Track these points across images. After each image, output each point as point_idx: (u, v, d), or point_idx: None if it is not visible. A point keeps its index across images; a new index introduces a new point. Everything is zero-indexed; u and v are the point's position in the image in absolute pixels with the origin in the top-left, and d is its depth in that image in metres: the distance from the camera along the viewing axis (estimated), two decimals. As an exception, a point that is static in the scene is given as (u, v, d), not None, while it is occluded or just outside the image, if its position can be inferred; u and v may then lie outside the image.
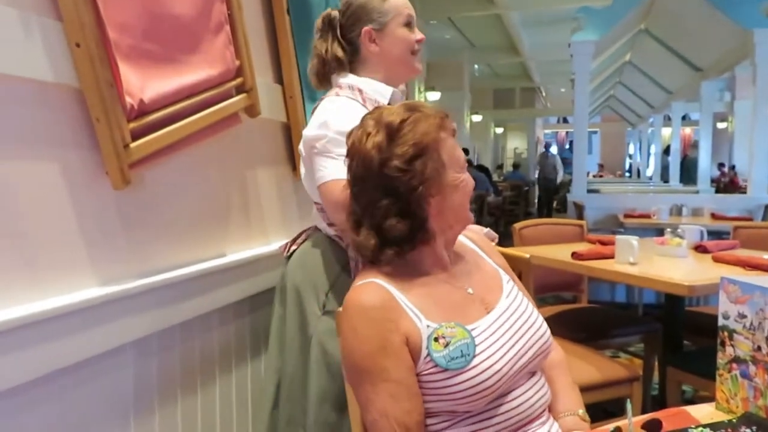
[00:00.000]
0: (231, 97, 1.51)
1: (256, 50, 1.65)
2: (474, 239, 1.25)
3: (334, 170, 1.35)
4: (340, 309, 1.07)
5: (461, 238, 1.23)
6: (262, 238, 1.73)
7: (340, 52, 1.52)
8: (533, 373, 1.11)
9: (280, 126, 1.86)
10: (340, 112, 1.41)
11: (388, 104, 1.47)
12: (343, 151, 1.16)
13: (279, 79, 1.84)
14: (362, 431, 1.14)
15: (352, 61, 1.53)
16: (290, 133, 1.89)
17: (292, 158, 1.91)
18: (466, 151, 7.34)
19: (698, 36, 6.83)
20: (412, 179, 1.06)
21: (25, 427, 0.98)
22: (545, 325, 1.14)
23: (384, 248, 1.07)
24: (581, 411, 1.12)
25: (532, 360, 1.09)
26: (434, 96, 9.58)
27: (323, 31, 1.53)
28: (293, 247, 1.53)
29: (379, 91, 1.51)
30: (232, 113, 1.51)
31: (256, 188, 1.71)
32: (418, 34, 1.55)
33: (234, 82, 1.51)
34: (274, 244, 1.77)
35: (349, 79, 1.52)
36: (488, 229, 1.47)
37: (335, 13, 1.54)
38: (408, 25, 1.53)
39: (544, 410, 1.10)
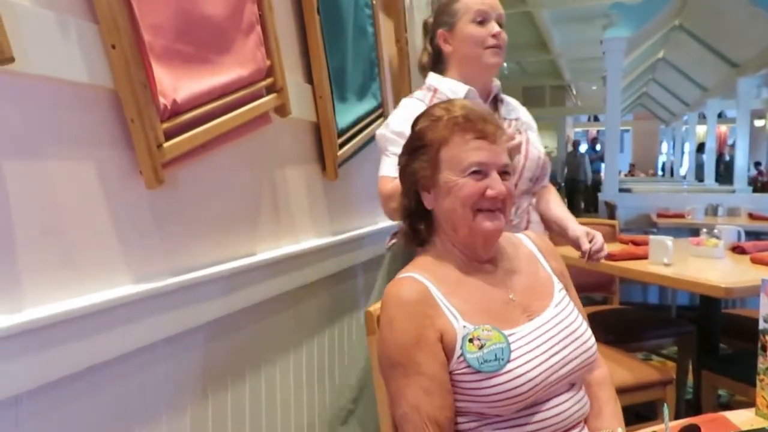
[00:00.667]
0: (262, 96, 1.52)
1: (286, 50, 1.66)
2: (535, 240, 1.23)
3: (386, 167, 1.53)
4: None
5: (521, 237, 1.23)
6: (291, 237, 1.74)
7: (425, 58, 1.69)
8: (572, 385, 1.09)
9: (310, 125, 1.87)
10: (401, 112, 1.57)
11: None
12: (397, 149, 1.28)
13: (309, 78, 1.84)
14: (390, 426, 1.14)
15: (439, 63, 1.66)
16: (319, 133, 1.89)
17: (322, 158, 1.91)
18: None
19: (735, 31, 6.65)
20: (406, 168, 1.15)
21: (62, 421, 1.00)
22: (593, 339, 1.11)
23: (406, 226, 1.18)
24: (620, 429, 1.09)
25: (572, 372, 1.07)
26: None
27: (423, 37, 1.70)
28: (393, 241, 1.69)
29: (454, 90, 1.60)
30: (262, 113, 1.52)
31: (285, 188, 1.72)
32: (493, 28, 1.58)
33: (265, 82, 1.52)
34: (303, 243, 1.78)
35: (430, 78, 1.66)
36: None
37: (429, 20, 1.69)
38: (480, 21, 1.57)
39: (579, 423, 1.08)
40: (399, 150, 1.33)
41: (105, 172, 1.10)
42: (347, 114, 2.06)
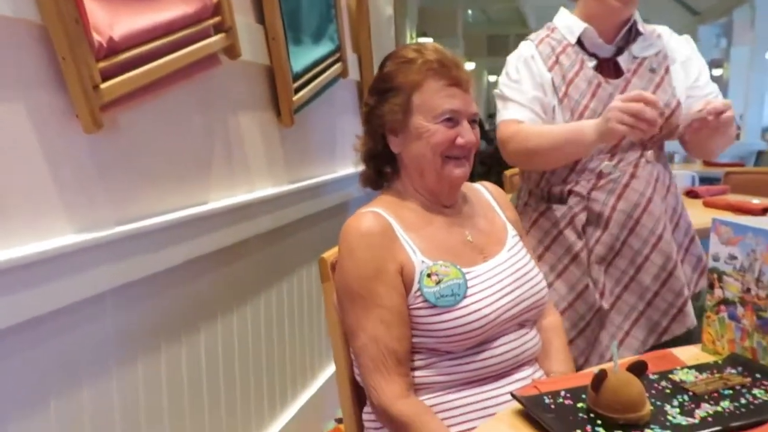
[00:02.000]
0: (209, 36, 1.44)
1: (234, -13, 1.57)
2: (492, 191, 1.27)
3: (505, 112, 1.46)
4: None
5: (479, 187, 1.26)
6: (246, 186, 1.69)
7: None
8: (522, 326, 1.11)
9: (263, 69, 1.80)
10: (513, 58, 1.51)
11: (577, 42, 1.47)
12: (516, 95, 1.41)
13: (260, 19, 1.76)
14: (345, 361, 1.15)
15: None
16: (273, 77, 1.82)
17: (276, 103, 1.85)
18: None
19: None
20: (374, 110, 1.11)
21: (3, 373, 0.96)
22: (544, 283, 1.16)
23: (368, 170, 1.17)
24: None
25: (523, 312, 1.10)
26: (426, 42, 9.35)
27: None
28: None
29: (570, 28, 1.49)
30: (210, 54, 1.44)
31: (238, 134, 1.66)
32: None
33: (211, 21, 1.44)
34: (259, 191, 1.74)
35: (558, 15, 1.55)
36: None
37: None
38: None
39: (529, 361, 1.11)
40: (518, 96, 1.43)
41: (38, 116, 1.02)
42: (303, 57, 1.98)
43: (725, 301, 1.02)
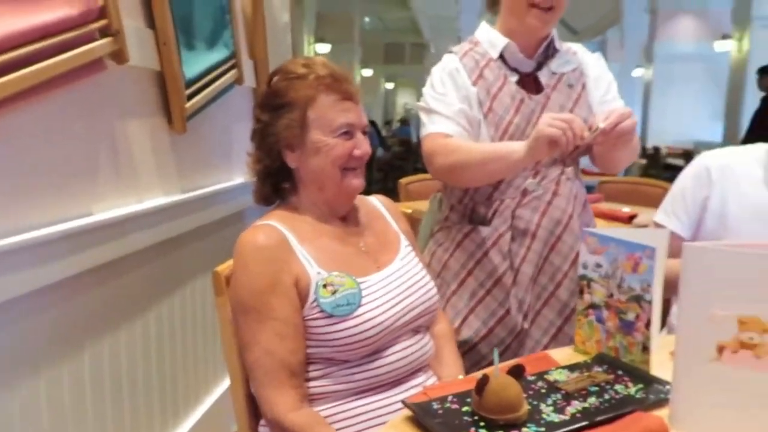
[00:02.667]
0: (94, 40, 1.37)
1: (122, -10, 1.51)
2: (384, 203, 1.30)
3: (431, 125, 1.44)
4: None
5: (372, 200, 1.30)
6: (135, 196, 1.63)
7: None
8: (416, 332, 1.16)
9: (153, 74, 1.74)
10: (437, 69, 1.48)
11: (500, 57, 1.46)
12: (433, 105, 1.41)
13: (151, 23, 1.70)
14: (240, 375, 1.15)
15: (497, 4, 1.50)
16: (164, 83, 1.77)
17: (168, 110, 1.79)
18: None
19: (577, 0, 7.18)
20: (269, 127, 1.12)
21: None
22: (435, 290, 1.21)
23: (264, 187, 1.17)
24: (461, 377, 1.18)
25: (416, 318, 1.14)
26: (324, 48, 9.39)
27: None
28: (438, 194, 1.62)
29: (493, 43, 1.48)
30: (95, 59, 1.38)
31: (126, 141, 1.60)
32: None
33: (97, 24, 1.37)
34: (149, 201, 1.68)
35: (479, 28, 1.53)
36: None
37: None
38: None
39: (423, 368, 1.16)
40: (444, 108, 1.41)
41: None
42: (196, 63, 1.94)
43: (593, 306, 1.13)
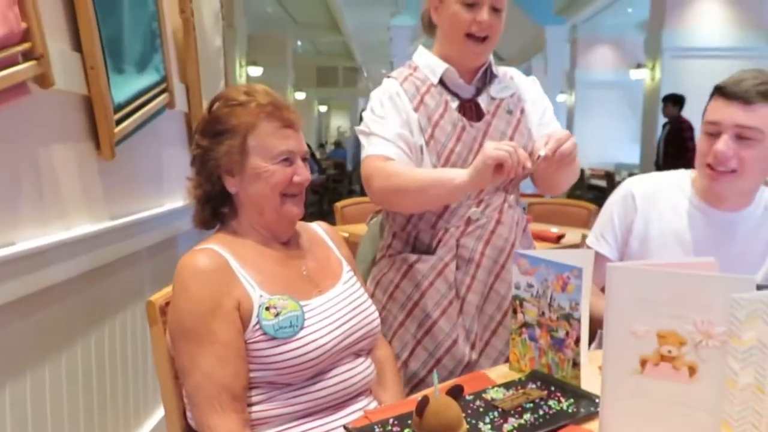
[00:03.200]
0: (17, 64, 1.33)
1: (47, 12, 1.46)
2: (326, 230, 1.31)
3: (371, 147, 1.41)
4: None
5: (314, 226, 1.31)
6: (62, 223, 1.57)
7: (425, 17, 1.49)
8: (358, 355, 1.17)
9: (80, 99, 1.69)
10: (379, 94, 1.46)
11: (440, 82, 1.44)
12: (372, 128, 1.39)
13: (78, 46, 1.66)
14: (176, 402, 1.12)
15: (434, 27, 1.48)
16: (92, 107, 1.72)
17: (95, 135, 1.74)
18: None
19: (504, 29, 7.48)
20: (209, 152, 1.12)
21: None
22: (376, 314, 1.22)
23: (204, 212, 1.17)
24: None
25: (358, 341, 1.15)
26: (256, 71, 9.33)
27: None
28: (375, 217, 1.59)
29: (432, 69, 1.46)
30: (18, 83, 1.33)
31: (51, 168, 1.54)
32: (481, 15, 1.36)
33: (20, 48, 1.33)
34: (76, 229, 1.62)
35: (417, 52, 1.52)
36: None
37: None
38: (469, 4, 1.36)
39: (364, 390, 1.17)
40: (383, 131, 1.39)
41: None
42: (125, 87, 1.90)
43: (526, 324, 1.17)
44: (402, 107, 1.43)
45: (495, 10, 1.38)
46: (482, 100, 1.47)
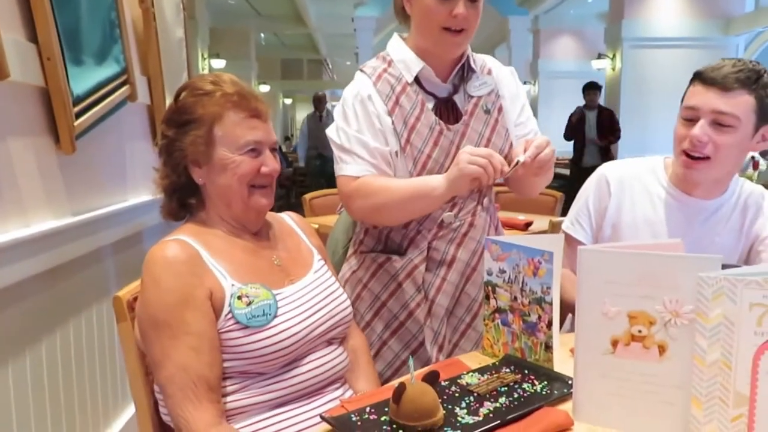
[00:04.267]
0: (-32, 55, 1.28)
1: (1, 2, 1.41)
2: (296, 220, 1.30)
3: (345, 166, 1.37)
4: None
5: (284, 216, 1.30)
6: (20, 220, 1.52)
7: (398, 3, 1.40)
8: (330, 343, 1.17)
9: (37, 91, 1.63)
10: (349, 94, 1.39)
11: (415, 80, 1.37)
12: (346, 144, 1.35)
13: (33, 37, 1.60)
14: (147, 398, 1.11)
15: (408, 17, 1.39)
16: (50, 100, 1.66)
17: (54, 128, 1.69)
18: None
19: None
20: (175, 143, 1.10)
21: None
22: (348, 302, 1.23)
23: (171, 203, 1.15)
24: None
25: (330, 329, 1.16)
26: (219, 63, 9.19)
27: None
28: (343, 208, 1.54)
29: (407, 65, 1.38)
30: (-30, 74, 1.28)
31: (8, 163, 1.48)
32: (458, 8, 1.28)
33: (-28, 38, 1.28)
34: (36, 226, 1.56)
35: (391, 43, 1.45)
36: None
37: None
38: None
39: (338, 378, 1.17)
40: (358, 148, 1.34)
41: None
42: (85, 79, 1.84)
43: (498, 310, 1.18)
44: (375, 112, 1.36)
45: (471, 0, 1.31)
46: (459, 99, 1.42)
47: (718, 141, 1.29)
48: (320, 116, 7.54)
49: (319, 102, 7.58)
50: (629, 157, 1.64)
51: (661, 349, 0.87)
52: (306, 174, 8.12)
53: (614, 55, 8.80)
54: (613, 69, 8.85)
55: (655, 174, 1.47)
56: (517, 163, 1.23)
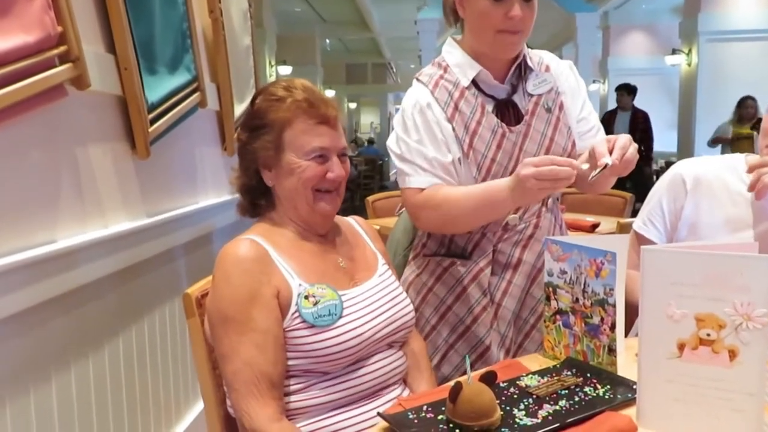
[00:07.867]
0: (53, 67, 1.37)
1: (81, 16, 1.50)
2: (362, 225, 1.33)
3: (408, 178, 1.36)
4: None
5: (350, 220, 1.33)
6: (99, 222, 1.61)
7: (449, 3, 1.38)
8: (391, 346, 1.18)
9: (115, 99, 1.73)
10: (408, 104, 1.37)
11: (472, 83, 1.36)
12: (408, 155, 1.34)
13: (111, 48, 1.70)
14: (213, 389, 1.15)
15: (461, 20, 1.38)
16: (126, 108, 1.76)
17: (131, 135, 1.78)
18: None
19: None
20: (247, 146, 1.16)
21: None
22: (411, 306, 1.24)
23: (245, 201, 1.21)
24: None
25: (394, 333, 1.17)
26: (285, 70, 9.41)
27: None
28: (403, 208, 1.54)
29: (463, 70, 1.36)
30: (55, 85, 1.37)
31: (89, 167, 1.58)
32: (513, 8, 1.26)
33: (56, 51, 1.37)
34: (114, 227, 1.66)
35: (445, 47, 1.43)
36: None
37: None
38: None
39: (399, 380, 1.19)
40: (421, 160, 1.33)
41: None
42: (158, 87, 1.93)
43: (560, 311, 1.16)
44: (435, 120, 1.34)
45: (526, 0, 1.28)
46: (518, 99, 1.39)
47: None
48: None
49: None
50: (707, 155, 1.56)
51: (732, 354, 0.83)
52: (372, 176, 8.19)
53: (690, 50, 8.40)
54: (689, 64, 8.44)
55: (737, 172, 1.37)
56: (605, 166, 1.15)
